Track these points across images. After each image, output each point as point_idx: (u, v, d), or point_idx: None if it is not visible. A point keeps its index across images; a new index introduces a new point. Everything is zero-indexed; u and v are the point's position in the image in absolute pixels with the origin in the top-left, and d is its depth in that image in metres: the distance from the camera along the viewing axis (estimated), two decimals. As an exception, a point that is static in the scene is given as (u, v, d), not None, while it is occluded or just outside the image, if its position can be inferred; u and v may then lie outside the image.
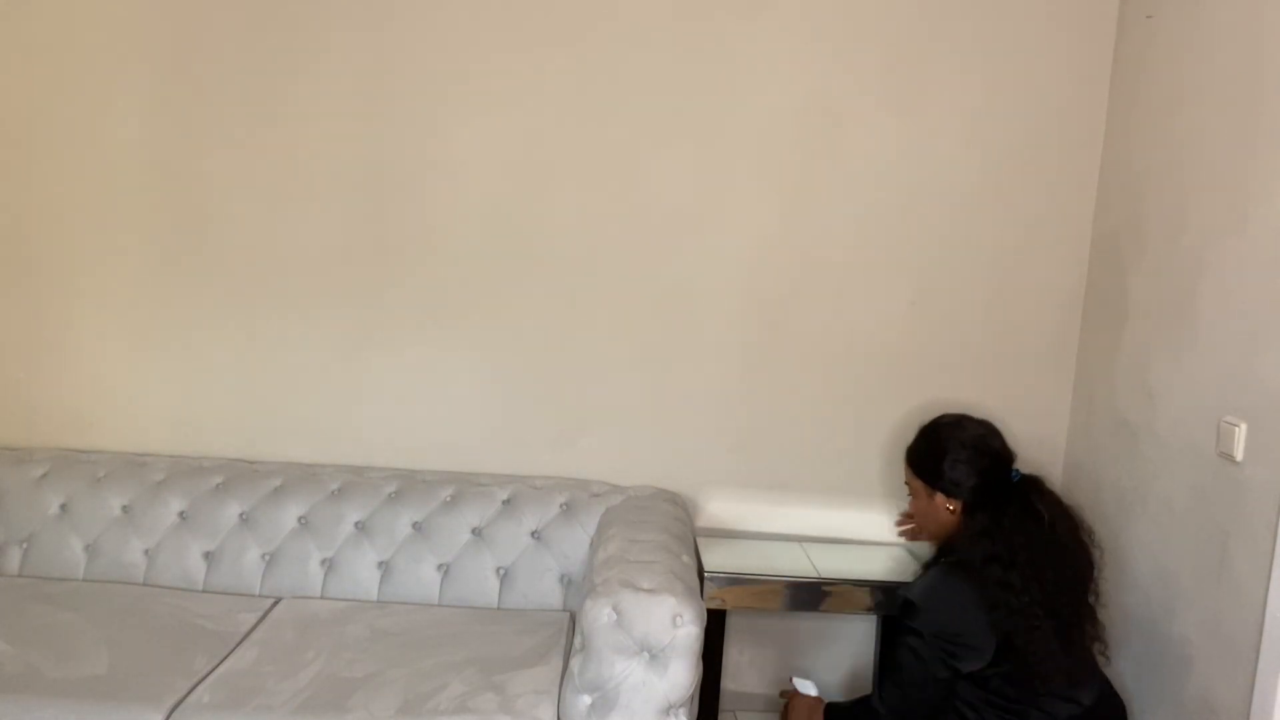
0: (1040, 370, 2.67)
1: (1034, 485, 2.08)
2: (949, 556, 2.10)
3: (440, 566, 2.51)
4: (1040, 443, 2.68)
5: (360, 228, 2.64)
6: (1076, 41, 2.56)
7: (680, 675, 1.92)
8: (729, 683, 2.75)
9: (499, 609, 2.47)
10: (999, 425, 2.12)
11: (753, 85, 2.58)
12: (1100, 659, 2.07)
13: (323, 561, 2.51)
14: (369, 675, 2.08)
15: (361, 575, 2.50)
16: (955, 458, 2.10)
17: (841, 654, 2.78)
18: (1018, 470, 2.11)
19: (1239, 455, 1.92)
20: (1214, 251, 2.06)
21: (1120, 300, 2.44)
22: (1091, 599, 2.04)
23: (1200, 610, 2.03)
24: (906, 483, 2.23)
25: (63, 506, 2.54)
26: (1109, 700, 2.04)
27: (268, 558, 2.51)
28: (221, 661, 2.13)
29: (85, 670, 2.04)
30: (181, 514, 2.54)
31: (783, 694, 2.34)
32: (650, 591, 1.95)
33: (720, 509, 2.73)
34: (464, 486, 2.60)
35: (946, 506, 2.11)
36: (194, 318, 2.67)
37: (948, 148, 2.60)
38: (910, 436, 2.23)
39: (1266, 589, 1.82)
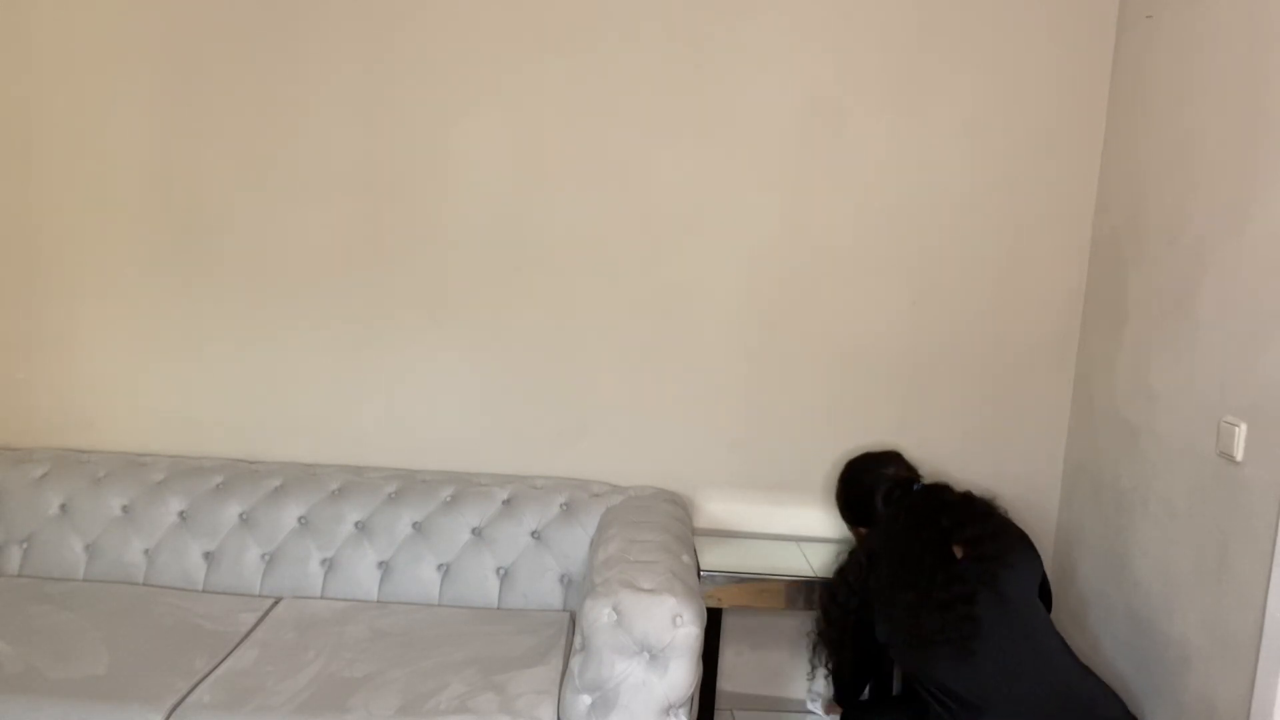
0: (1040, 370, 2.67)
1: (932, 492, 2.21)
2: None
3: (440, 566, 2.51)
4: (1040, 443, 2.68)
5: (361, 228, 2.64)
6: (1076, 41, 2.56)
7: (680, 675, 1.92)
8: (725, 683, 2.75)
9: (499, 609, 2.47)
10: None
11: (753, 85, 2.58)
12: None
13: (323, 561, 2.51)
14: (369, 675, 2.08)
15: (361, 575, 2.50)
16: (881, 494, 2.26)
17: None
18: (919, 483, 2.28)
19: (1239, 455, 1.92)
20: (1214, 251, 2.06)
21: (1120, 300, 2.44)
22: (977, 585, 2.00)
23: (1200, 610, 2.03)
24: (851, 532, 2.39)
25: (63, 506, 2.54)
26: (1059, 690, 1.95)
27: (268, 558, 2.51)
28: (221, 661, 2.13)
29: (85, 670, 2.04)
30: (181, 514, 2.54)
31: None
32: (650, 591, 1.95)
33: (720, 509, 2.73)
34: (464, 486, 2.60)
35: (860, 532, 2.32)
36: (194, 318, 2.67)
37: (948, 147, 2.60)
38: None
39: (1266, 589, 1.82)
